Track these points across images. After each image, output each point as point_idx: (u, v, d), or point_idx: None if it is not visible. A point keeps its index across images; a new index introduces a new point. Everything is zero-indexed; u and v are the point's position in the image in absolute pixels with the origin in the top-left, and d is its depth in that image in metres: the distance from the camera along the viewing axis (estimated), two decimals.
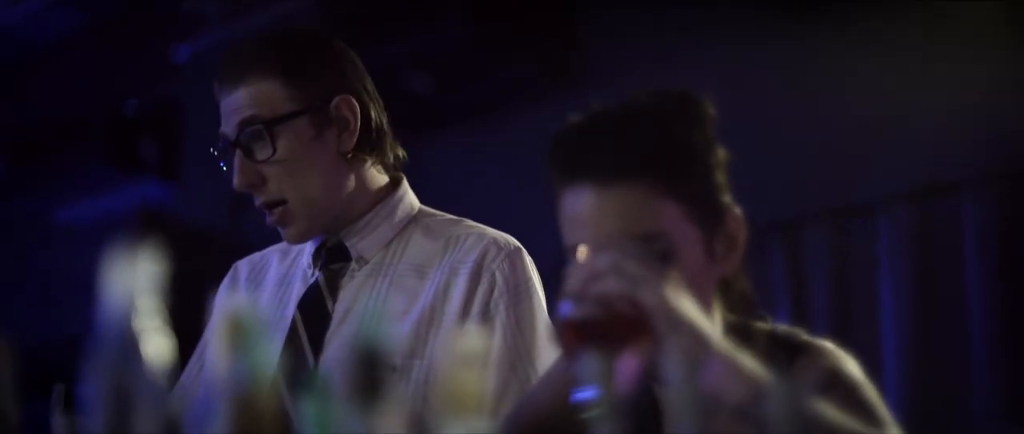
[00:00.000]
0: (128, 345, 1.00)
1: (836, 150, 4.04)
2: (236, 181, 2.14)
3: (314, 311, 2.18)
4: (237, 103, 2.13)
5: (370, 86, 2.24)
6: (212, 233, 5.06)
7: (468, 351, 1.07)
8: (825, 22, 4.03)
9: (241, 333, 1.03)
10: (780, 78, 4.11)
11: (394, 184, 2.28)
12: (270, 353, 1.08)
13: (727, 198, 1.61)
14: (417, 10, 4.67)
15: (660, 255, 1.52)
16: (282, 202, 2.15)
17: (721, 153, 1.61)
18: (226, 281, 2.38)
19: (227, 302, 2.33)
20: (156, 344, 1.03)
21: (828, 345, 1.62)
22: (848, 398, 1.54)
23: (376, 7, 4.78)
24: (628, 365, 1.30)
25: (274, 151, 2.12)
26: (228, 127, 2.15)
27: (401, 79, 4.76)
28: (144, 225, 5.33)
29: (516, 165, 4.89)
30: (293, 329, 2.18)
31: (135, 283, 1.01)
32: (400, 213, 2.25)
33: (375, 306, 2.14)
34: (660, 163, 1.55)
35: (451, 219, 2.28)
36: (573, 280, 1.46)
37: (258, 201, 2.17)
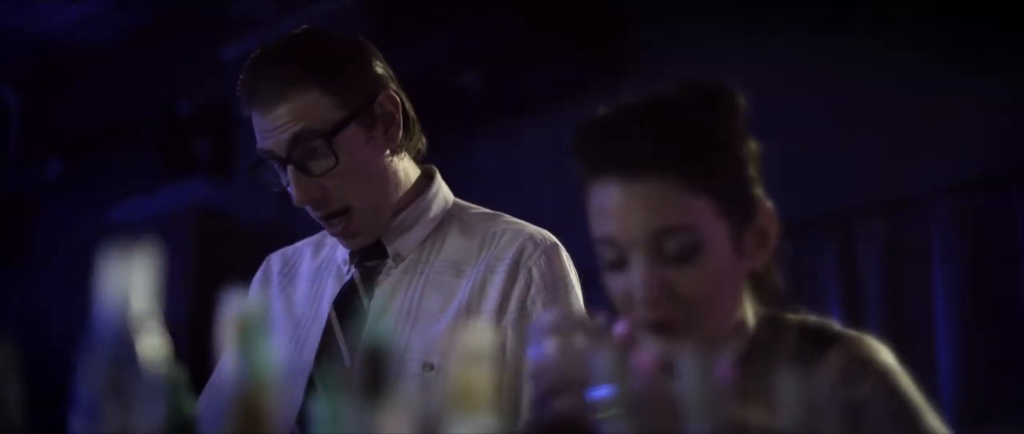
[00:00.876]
0: (124, 345, 1.00)
1: (889, 142, 4.02)
2: (298, 198, 2.09)
3: (349, 308, 2.16)
4: (280, 120, 2.08)
5: (395, 78, 2.21)
6: (264, 230, 5.09)
7: (477, 348, 1.06)
8: (879, 12, 4.02)
9: (245, 332, 1.03)
10: (833, 70, 4.08)
11: (428, 178, 2.26)
12: (273, 352, 1.08)
13: (759, 192, 1.59)
14: (466, 5, 4.66)
15: (689, 248, 1.51)
16: (346, 211, 2.13)
17: (752, 146, 1.59)
18: (258, 275, 2.37)
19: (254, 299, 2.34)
20: (152, 343, 1.03)
21: (860, 335, 1.60)
22: (880, 388, 1.52)
23: (424, 4, 4.79)
24: (643, 362, 1.29)
25: (337, 161, 2.08)
26: (275, 145, 2.09)
27: (450, 75, 4.76)
28: (197, 223, 5.37)
29: (565, 160, 4.89)
30: (328, 327, 2.16)
31: (132, 284, 1.01)
32: (435, 208, 2.24)
33: (409, 305, 2.14)
34: (688, 156, 1.53)
35: (487, 213, 2.26)
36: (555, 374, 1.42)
37: (319, 213, 2.14)
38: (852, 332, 1.61)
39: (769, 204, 1.59)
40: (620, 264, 1.54)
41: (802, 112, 3.97)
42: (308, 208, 2.13)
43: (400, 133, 2.16)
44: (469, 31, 4.69)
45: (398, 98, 2.16)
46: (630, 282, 1.53)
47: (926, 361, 3.75)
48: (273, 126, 2.09)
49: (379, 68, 2.18)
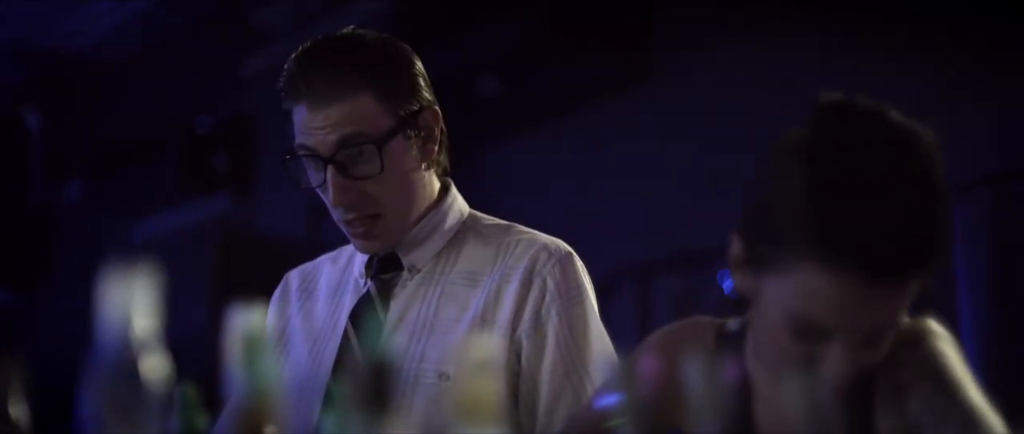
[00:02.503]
0: (127, 364, 1.00)
1: None
2: (334, 199, 2.08)
3: (366, 321, 2.15)
4: (331, 119, 2.06)
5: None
6: (285, 245, 5.10)
7: (483, 359, 1.06)
8: (899, 4, 4.01)
9: (250, 349, 1.03)
10: (855, 66, 4.07)
11: (443, 188, 2.26)
12: (277, 369, 1.07)
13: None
14: (489, 12, 4.67)
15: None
16: (375, 216, 2.12)
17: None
18: (277, 292, 2.37)
19: (272, 317, 2.34)
20: (155, 362, 1.03)
21: (915, 321, 1.59)
22: (920, 372, 1.53)
23: (446, 13, 4.79)
24: (650, 368, 1.29)
25: (383, 168, 2.07)
26: (319, 143, 2.08)
27: (474, 81, 4.77)
28: (218, 238, 5.38)
29: (590, 164, 4.91)
30: (345, 340, 2.17)
31: (135, 303, 1.01)
32: (451, 220, 2.23)
33: (424, 316, 2.14)
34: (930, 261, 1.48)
35: (501, 224, 2.25)
36: None
37: (347, 216, 2.12)
38: (910, 319, 1.59)
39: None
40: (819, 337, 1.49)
41: None
42: (336, 210, 2.12)
43: (436, 150, 2.16)
44: (486, 38, 4.69)
45: (439, 113, 2.16)
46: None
47: None
48: (322, 125, 2.07)
49: (424, 82, 2.17)
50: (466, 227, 2.24)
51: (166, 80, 6.04)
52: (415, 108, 2.12)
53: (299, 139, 2.10)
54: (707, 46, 4.44)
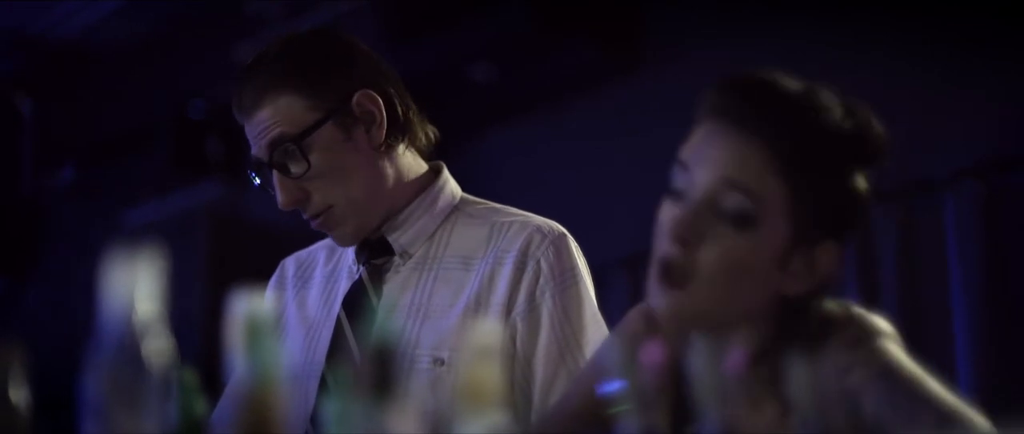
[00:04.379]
0: (130, 348, 1.00)
1: (900, 126, 4.00)
2: (281, 201, 2.12)
3: (358, 307, 2.17)
4: (261, 125, 2.10)
5: (389, 73, 2.21)
6: (278, 231, 5.09)
7: (486, 344, 1.06)
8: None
9: (252, 333, 1.03)
10: (843, 56, 4.08)
11: (434, 173, 2.26)
12: (280, 354, 1.08)
13: (831, 231, 1.59)
14: (480, 1, 4.66)
15: (741, 216, 1.53)
16: (329, 208, 2.14)
17: (860, 188, 1.60)
18: (273, 279, 2.38)
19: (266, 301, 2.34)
20: (159, 346, 1.03)
21: (851, 317, 1.57)
22: (871, 373, 1.50)
23: (438, 2, 4.79)
24: (653, 357, 1.29)
25: (309, 165, 2.10)
26: (258, 150, 2.13)
27: (463, 71, 4.76)
28: (211, 225, 5.38)
29: (581, 153, 4.91)
30: (338, 326, 2.17)
31: (137, 287, 1.02)
32: (441, 203, 2.23)
33: (418, 301, 2.14)
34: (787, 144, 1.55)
35: (494, 207, 2.25)
36: None
37: (305, 215, 2.16)
38: (845, 313, 1.58)
39: (835, 251, 1.59)
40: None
41: None
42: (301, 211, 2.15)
43: (383, 132, 2.15)
44: (478, 27, 4.69)
45: (380, 97, 2.15)
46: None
47: (943, 346, 3.74)
48: (256, 132, 2.12)
49: (362, 66, 2.18)
50: (458, 210, 2.24)
51: (158, 66, 6.02)
52: (343, 95, 2.13)
53: (251, 151, 2.15)
54: (698, 35, 4.44)
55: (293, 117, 2.10)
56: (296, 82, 2.11)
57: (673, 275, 1.53)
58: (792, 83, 1.60)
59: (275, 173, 2.12)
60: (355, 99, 2.13)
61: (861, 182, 1.60)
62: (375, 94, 2.15)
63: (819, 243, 1.57)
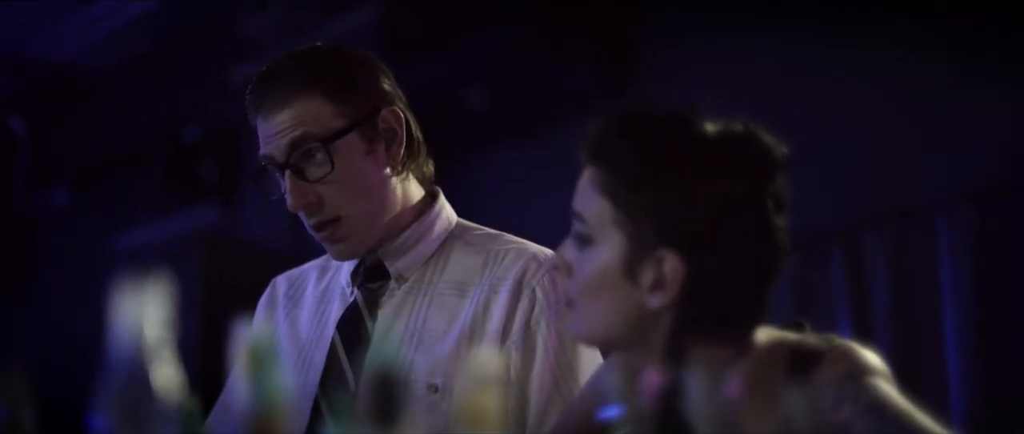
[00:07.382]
0: (139, 373, 1.01)
1: (894, 152, 4.01)
2: (292, 203, 2.11)
3: (353, 331, 2.16)
4: (283, 124, 2.09)
5: (404, 98, 2.22)
6: (271, 254, 5.09)
7: (485, 372, 1.06)
8: (881, 23, 4.02)
9: (256, 359, 1.03)
10: (837, 80, 4.09)
11: (431, 198, 2.26)
12: (285, 379, 1.08)
13: (671, 241, 1.58)
14: (476, 22, 4.67)
15: (580, 238, 1.63)
16: (337, 219, 2.13)
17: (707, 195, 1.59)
18: (264, 298, 2.37)
19: (260, 322, 2.34)
20: (166, 372, 1.03)
21: (837, 352, 1.56)
22: (860, 408, 1.50)
23: (431, 27, 4.80)
24: (651, 382, 1.29)
25: (332, 168, 2.09)
26: (274, 150, 2.11)
27: (462, 93, 4.77)
28: (205, 248, 5.37)
29: (575, 177, 4.89)
30: (332, 350, 2.16)
31: (146, 313, 1.02)
32: (438, 229, 2.23)
33: (412, 326, 2.14)
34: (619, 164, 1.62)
35: (490, 233, 2.25)
36: None
37: (311, 221, 2.14)
38: (830, 347, 1.58)
39: (677, 261, 1.59)
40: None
41: (808, 122, 3.96)
42: (302, 216, 2.14)
43: (402, 151, 2.16)
44: (474, 49, 4.69)
45: (403, 116, 2.17)
46: None
47: (936, 372, 3.73)
48: (275, 131, 2.10)
49: (386, 84, 2.19)
50: (454, 236, 2.24)
51: (153, 89, 6.03)
52: (371, 108, 2.14)
53: (261, 150, 2.14)
54: (695, 55, 4.45)
55: (319, 120, 2.10)
56: (327, 87, 2.11)
57: (567, 301, 1.67)
58: (652, 112, 1.68)
59: (289, 174, 2.10)
60: (381, 114, 2.14)
61: (718, 188, 1.58)
62: (400, 113, 2.16)
63: (656, 252, 1.57)
